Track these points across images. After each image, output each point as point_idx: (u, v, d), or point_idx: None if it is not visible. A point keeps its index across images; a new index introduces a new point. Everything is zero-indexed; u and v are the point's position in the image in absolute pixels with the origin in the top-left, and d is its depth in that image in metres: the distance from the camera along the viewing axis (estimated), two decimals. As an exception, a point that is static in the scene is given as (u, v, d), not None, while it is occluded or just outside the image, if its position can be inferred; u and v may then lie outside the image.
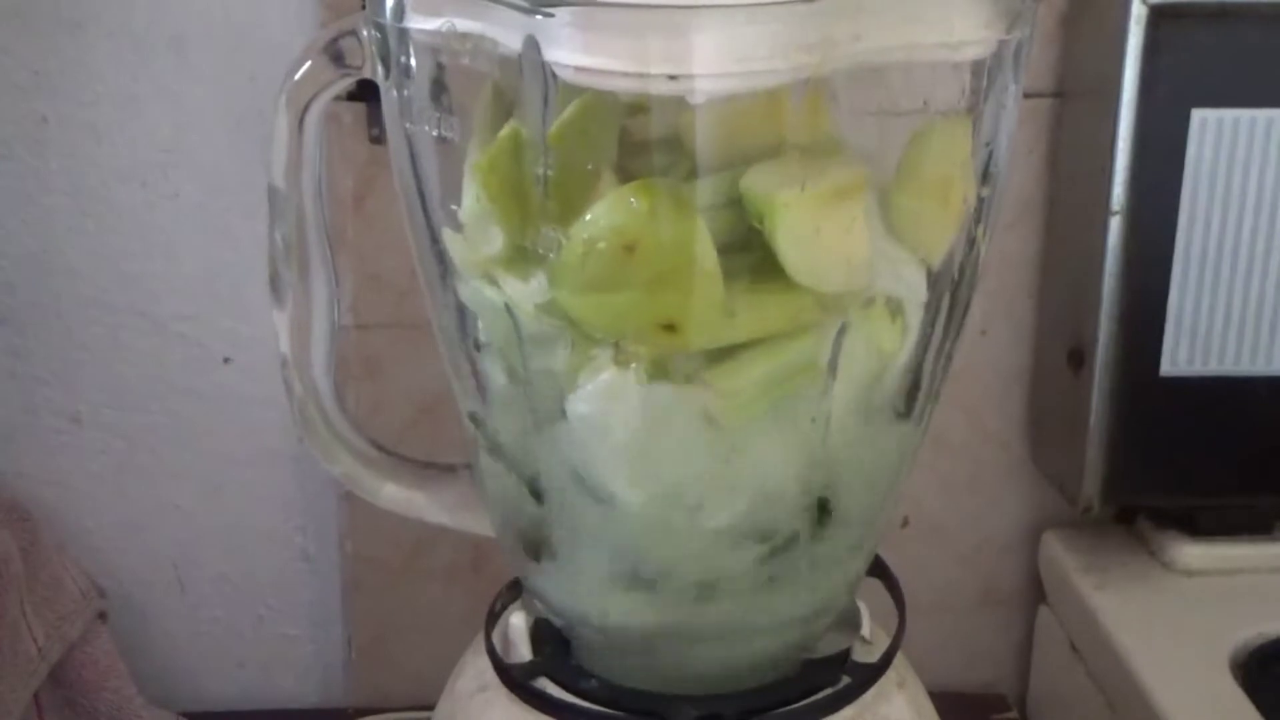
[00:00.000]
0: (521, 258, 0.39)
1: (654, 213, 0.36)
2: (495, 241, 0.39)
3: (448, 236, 0.41)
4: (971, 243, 0.42)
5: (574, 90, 0.36)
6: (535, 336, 0.39)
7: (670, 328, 0.37)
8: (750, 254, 0.38)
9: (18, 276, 0.70)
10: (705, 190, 0.37)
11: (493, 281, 0.40)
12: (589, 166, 0.37)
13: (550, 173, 0.37)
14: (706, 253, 0.36)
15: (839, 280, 0.38)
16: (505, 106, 0.39)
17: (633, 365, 0.38)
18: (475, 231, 0.40)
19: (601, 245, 0.36)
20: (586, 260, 0.37)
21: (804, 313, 0.38)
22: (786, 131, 0.37)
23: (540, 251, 0.38)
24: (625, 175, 0.37)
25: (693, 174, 0.37)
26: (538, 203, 0.37)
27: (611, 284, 0.37)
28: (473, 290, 0.41)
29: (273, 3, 0.67)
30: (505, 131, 0.38)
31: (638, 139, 0.37)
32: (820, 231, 0.37)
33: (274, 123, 0.43)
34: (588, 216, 0.37)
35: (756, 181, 0.37)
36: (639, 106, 0.37)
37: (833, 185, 0.37)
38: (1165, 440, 0.68)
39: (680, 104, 0.36)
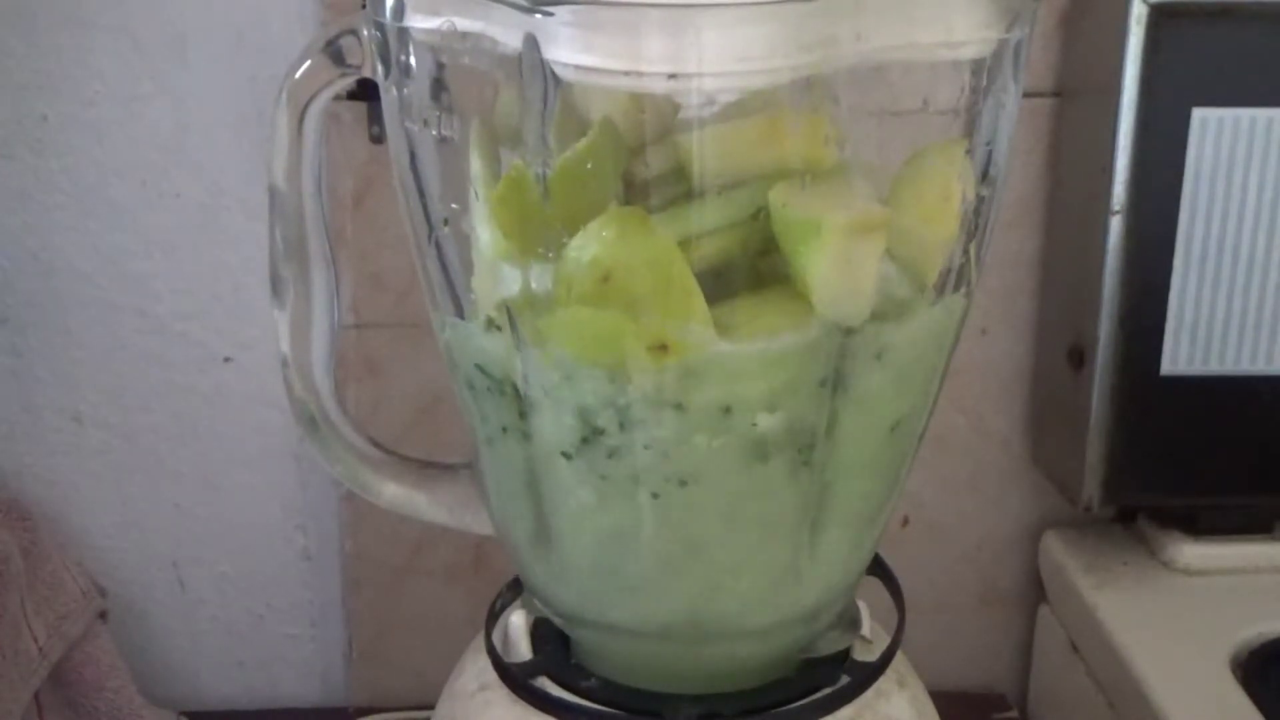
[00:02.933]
0: (530, 301, 0.39)
1: (624, 240, 0.37)
2: (512, 284, 0.39)
3: (475, 284, 0.41)
4: (970, 243, 0.42)
5: (574, 89, 0.36)
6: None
7: (663, 348, 0.38)
8: (745, 270, 0.38)
9: (18, 276, 0.70)
10: (706, 212, 0.37)
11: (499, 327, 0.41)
12: (594, 203, 0.37)
13: (549, 172, 0.37)
14: (683, 272, 0.37)
15: (852, 311, 0.39)
16: (499, 140, 0.40)
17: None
18: (491, 274, 0.40)
19: (580, 277, 0.37)
20: (570, 293, 0.37)
21: (800, 326, 0.38)
22: (788, 153, 0.38)
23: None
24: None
25: (691, 195, 0.37)
26: (543, 235, 0.38)
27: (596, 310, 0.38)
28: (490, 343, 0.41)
29: (273, 2, 0.67)
30: (510, 172, 0.38)
31: (639, 180, 0.38)
32: (850, 262, 0.38)
33: (274, 122, 0.43)
34: (567, 251, 0.37)
35: (792, 201, 0.37)
36: (641, 146, 0.37)
37: (864, 218, 0.38)
38: (1165, 440, 0.68)
39: (681, 125, 0.37)
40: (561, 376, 0.39)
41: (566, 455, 0.40)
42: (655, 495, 0.40)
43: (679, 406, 0.38)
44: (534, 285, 0.39)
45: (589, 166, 0.37)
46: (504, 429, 0.42)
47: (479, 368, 0.42)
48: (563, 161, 0.37)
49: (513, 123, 0.38)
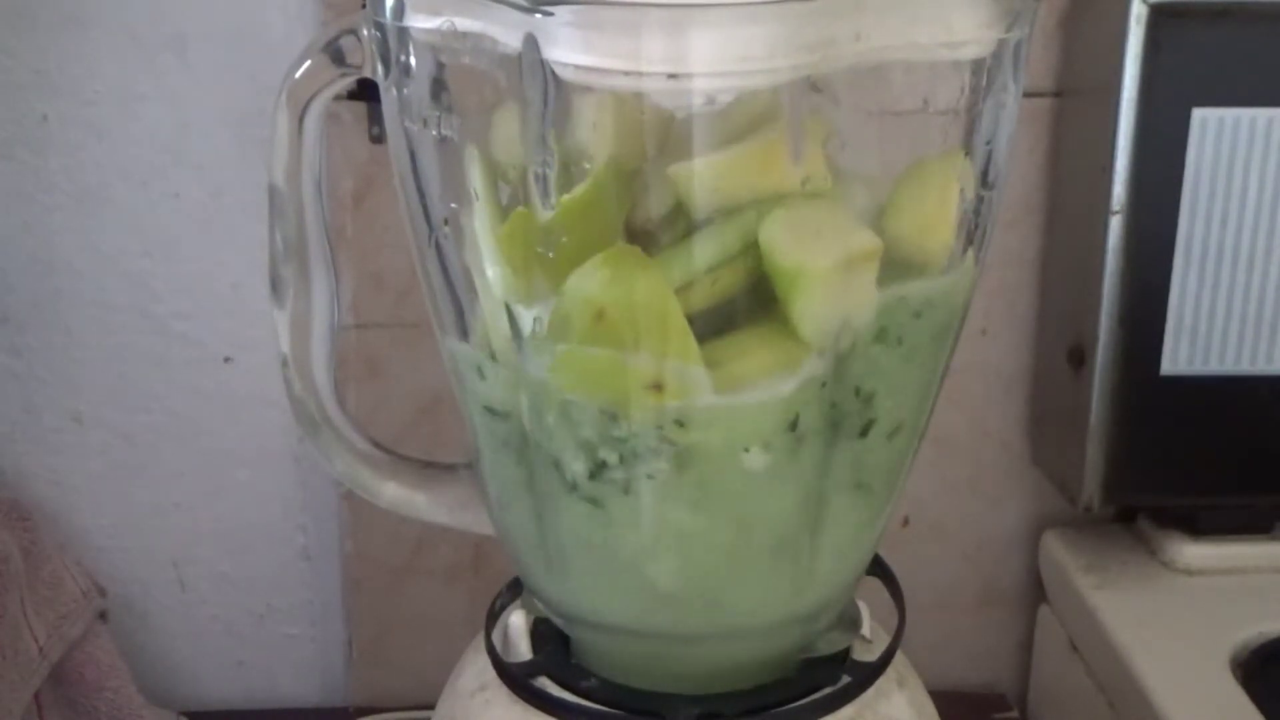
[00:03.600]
0: (534, 335, 0.39)
1: (618, 280, 0.37)
2: (518, 317, 0.39)
3: (483, 311, 0.41)
4: (970, 245, 0.42)
5: (574, 89, 0.36)
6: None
7: (657, 387, 0.38)
8: (746, 298, 0.38)
9: (18, 276, 0.70)
10: (703, 250, 0.37)
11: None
12: (597, 242, 0.38)
13: (550, 172, 0.37)
14: (676, 313, 0.37)
15: (845, 339, 0.39)
16: (496, 169, 0.40)
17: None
18: (496, 307, 0.40)
19: (576, 314, 0.37)
20: (566, 329, 0.38)
21: (794, 361, 0.39)
22: (780, 180, 0.38)
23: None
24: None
25: (689, 230, 0.37)
26: (549, 271, 0.38)
27: (592, 349, 0.38)
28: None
29: (273, 2, 0.67)
30: (514, 218, 0.38)
31: (640, 225, 0.38)
32: (838, 297, 0.38)
33: (274, 122, 0.43)
34: (564, 288, 0.38)
35: (780, 242, 0.37)
36: (646, 179, 0.38)
37: (852, 253, 0.38)
38: (1165, 440, 0.68)
39: (675, 147, 0.37)
40: (561, 412, 0.39)
41: (572, 486, 0.41)
42: (657, 511, 0.40)
43: (676, 442, 0.39)
44: (536, 320, 0.39)
45: (592, 205, 0.37)
46: (507, 456, 0.42)
47: (486, 408, 0.42)
48: (567, 201, 0.37)
49: (512, 149, 0.39)
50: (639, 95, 0.37)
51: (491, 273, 0.40)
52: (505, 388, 0.41)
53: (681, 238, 0.38)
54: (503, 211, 0.39)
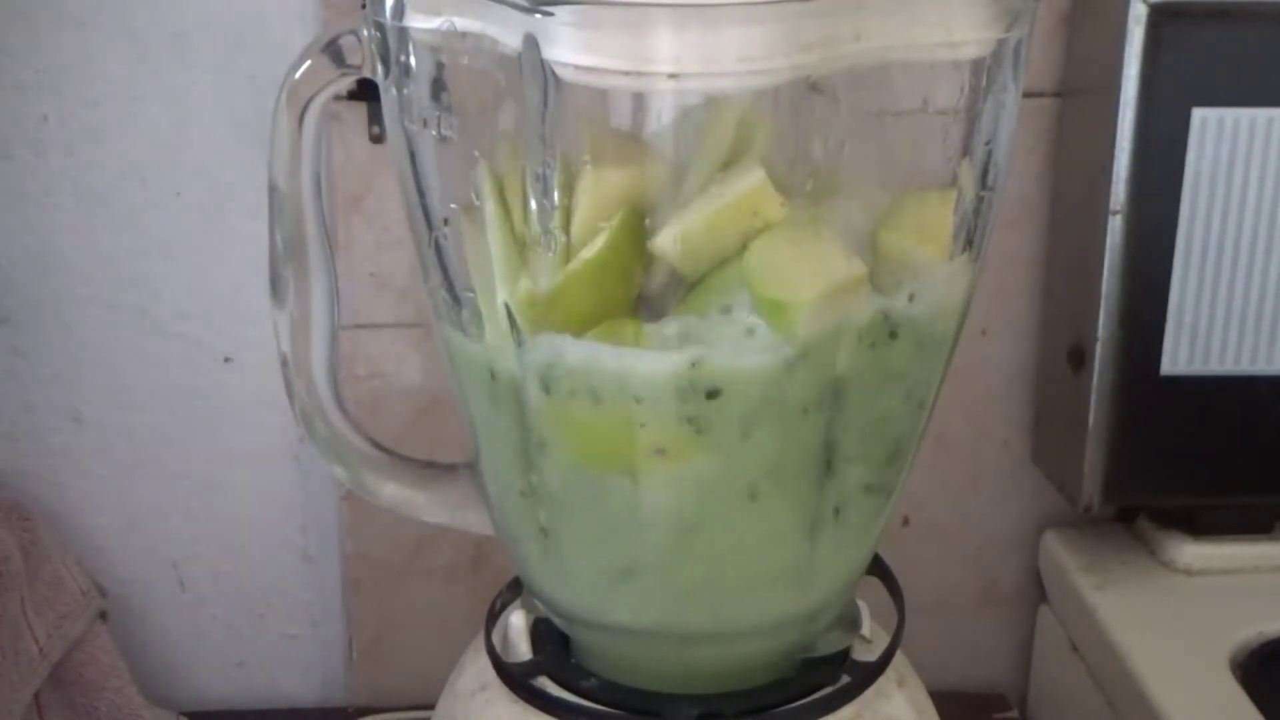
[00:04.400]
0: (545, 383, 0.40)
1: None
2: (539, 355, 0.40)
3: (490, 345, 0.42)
4: (969, 245, 0.42)
5: (573, 89, 0.36)
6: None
7: (661, 451, 0.38)
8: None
9: (18, 276, 0.70)
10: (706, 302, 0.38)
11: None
12: (611, 302, 0.38)
13: (551, 172, 0.37)
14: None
15: (841, 363, 0.39)
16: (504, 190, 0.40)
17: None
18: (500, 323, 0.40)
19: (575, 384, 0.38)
20: (573, 396, 0.38)
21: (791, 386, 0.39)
22: (773, 220, 0.38)
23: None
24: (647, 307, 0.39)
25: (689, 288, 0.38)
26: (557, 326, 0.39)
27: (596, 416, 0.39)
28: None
29: (273, 2, 0.67)
30: (522, 294, 0.39)
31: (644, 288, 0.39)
32: (824, 323, 0.38)
33: (274, 122, 0.43)
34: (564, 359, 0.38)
35: (763, 273, 0.38)
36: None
37: (837, 281, 0.38)
38: (1165, 440, 0.68)
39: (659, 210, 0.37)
40: (568, 478, 0.40)
41: (577, 505, 0.41)
42: (660, 527, 0.41)
43: (683, 489, 0.39)
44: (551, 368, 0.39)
45: (604, 268, 0.38)
46: (507, 456, 0.43)
47: (483, 415, 0.42)
48: (583, 264, 0.37)
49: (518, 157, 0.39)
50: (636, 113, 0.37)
51: (501, 295, 0.40)
52: (504, 397, 0.41)
53: (684, 295, 0.38)
54: (511, 226, 0.40)
